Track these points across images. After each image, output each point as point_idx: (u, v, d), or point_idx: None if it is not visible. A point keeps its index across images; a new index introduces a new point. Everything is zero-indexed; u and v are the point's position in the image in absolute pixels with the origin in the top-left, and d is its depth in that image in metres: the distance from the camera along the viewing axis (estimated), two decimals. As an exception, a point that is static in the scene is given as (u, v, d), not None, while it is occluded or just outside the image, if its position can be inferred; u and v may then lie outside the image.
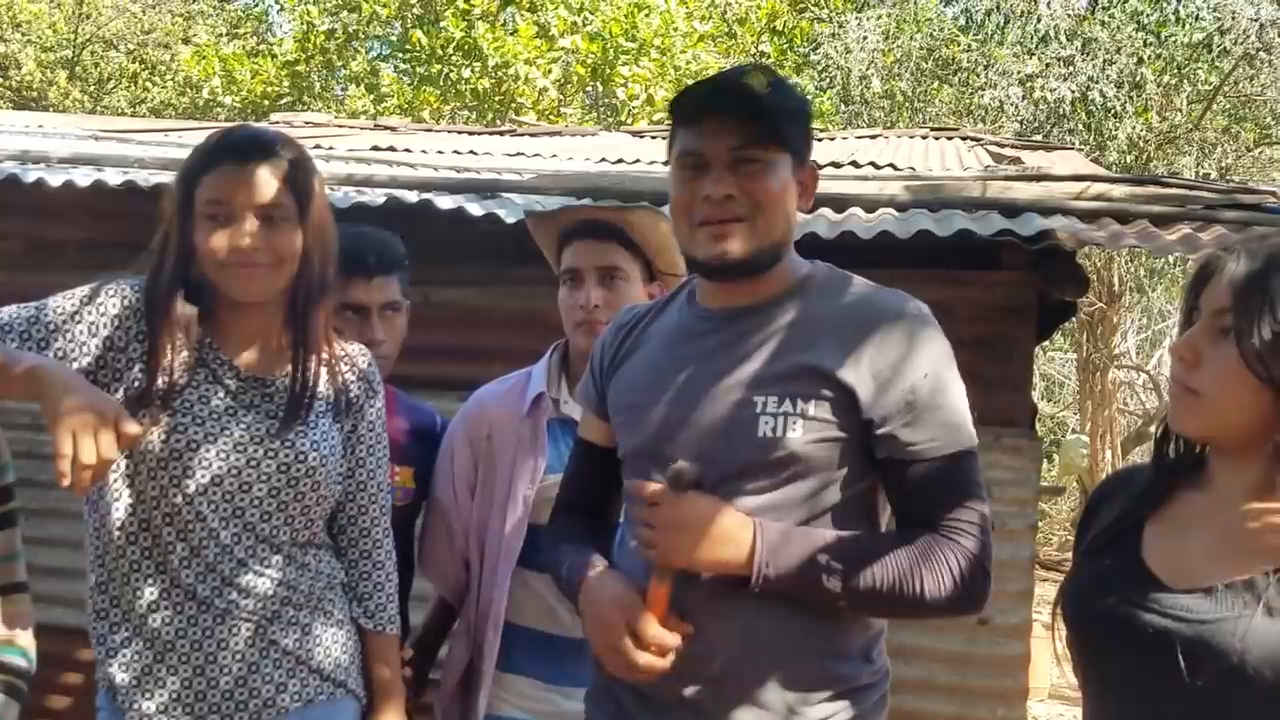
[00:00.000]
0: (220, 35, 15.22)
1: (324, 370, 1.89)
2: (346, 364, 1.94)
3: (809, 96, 1.92)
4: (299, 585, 1.84)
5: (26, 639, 1.71)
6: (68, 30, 15.53)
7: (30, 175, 3.47)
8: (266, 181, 1.76)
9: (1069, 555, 2.19)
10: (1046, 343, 19.29)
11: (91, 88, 16.00)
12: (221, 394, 1.79)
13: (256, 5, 16.28)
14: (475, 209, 3.42)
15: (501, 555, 2.22)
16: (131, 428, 1.48)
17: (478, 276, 3.92)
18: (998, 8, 11.44)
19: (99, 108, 15.67)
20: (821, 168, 4.68)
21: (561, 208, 2.39)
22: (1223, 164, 12.40)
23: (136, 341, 1.77)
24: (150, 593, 1.77)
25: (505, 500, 2.22)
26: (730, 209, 1.54)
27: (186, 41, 15.27)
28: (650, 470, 1.60)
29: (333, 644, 1.89)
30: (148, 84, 15.90)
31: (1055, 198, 3.30)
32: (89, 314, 1.76)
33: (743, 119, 1.54)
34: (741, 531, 1.49)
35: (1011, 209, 3.21)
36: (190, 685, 1.78)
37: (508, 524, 2.21)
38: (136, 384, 1.75)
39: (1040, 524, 12.37)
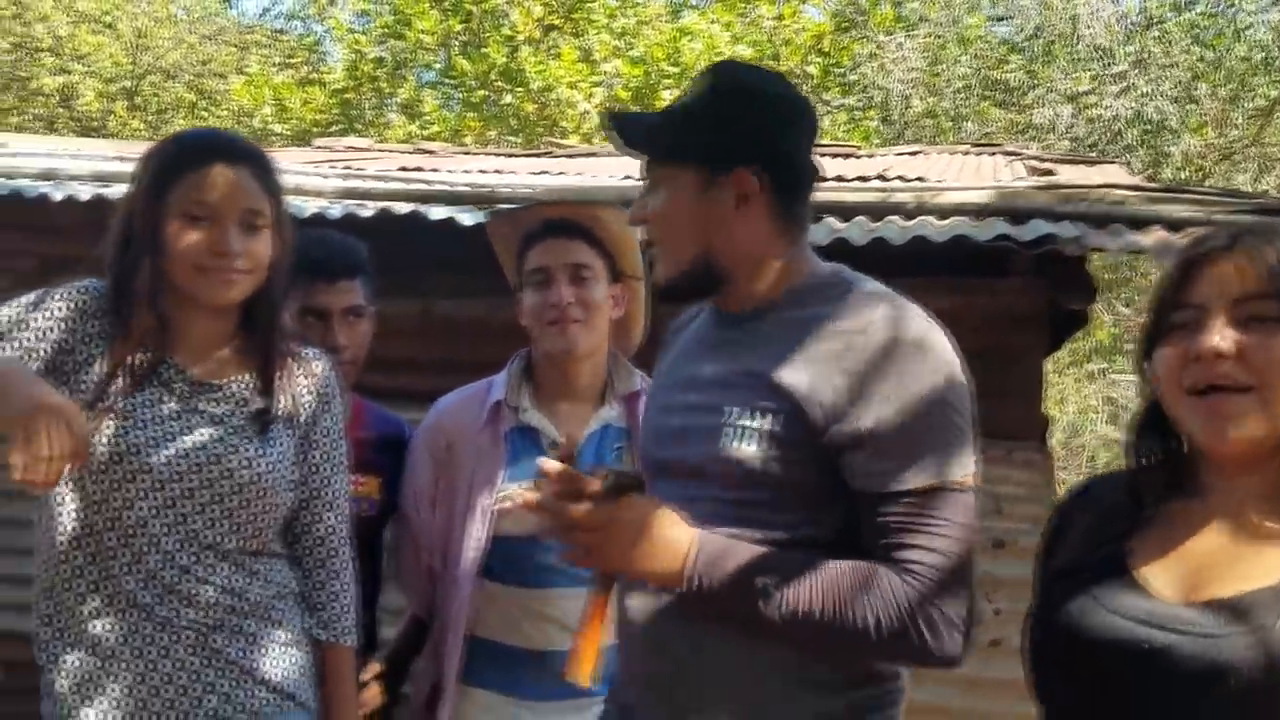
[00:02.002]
0: (274, 65, 15.53)
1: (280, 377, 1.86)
2: (302, 369, 1.90)
3: (768, 93, 1.71)
4: (246, 594, 1.79)
5: None
6: (127, 61, 15.95)
7: (33, 191, 3.51)
8: (252, 186, 1.75)
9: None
10: (1106, 364, 18.86)
11: (150, 117, 16.37)
12: (169, 398, 1.76)
13: (309, 35, 16.59)
14: (466, 219, 3.39)
15: (463, 568, 2.17)
16: (86, 423, 1.50)
17: (479, 288, 3.87)
18: (1038, 31, 11.25)
19: (157, 137, 15.96)
20: (848, 181, 4.63)
21: (527, 205, 2.35)
22: (1283, 179, 12.05)
23: (83, 344, 1.75)
24: (93, 600, 1.74)
25: (465, 512, 2.17)
26: (644, 235, 1.58)
27: (241, 72, 15.61)
28: (650, 478, 1.54)
29: (282, 655, 1.84)
30: (204, 113, 16.25)
31: (1062, 202, 3.18)
32: (36, 319, 1.74)
33: (636, 141, 1.55)
34: (677, 540, 1.40)
35: (1018, 215, 3.09)
36: (132, 694, 1.74)
37: (468, 536, 2.17)
38: (85, 386, 1.72)
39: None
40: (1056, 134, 11.19)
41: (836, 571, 1.38)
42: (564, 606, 2.08)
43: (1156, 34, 10.84)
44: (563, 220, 2.21)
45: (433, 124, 12.23)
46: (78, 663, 1.75)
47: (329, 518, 1.91)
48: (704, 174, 1.48)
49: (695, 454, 1.47)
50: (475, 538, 2.16)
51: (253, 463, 1.77)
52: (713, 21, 12.57)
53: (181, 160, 1.75)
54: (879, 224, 3.26)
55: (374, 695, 2.28)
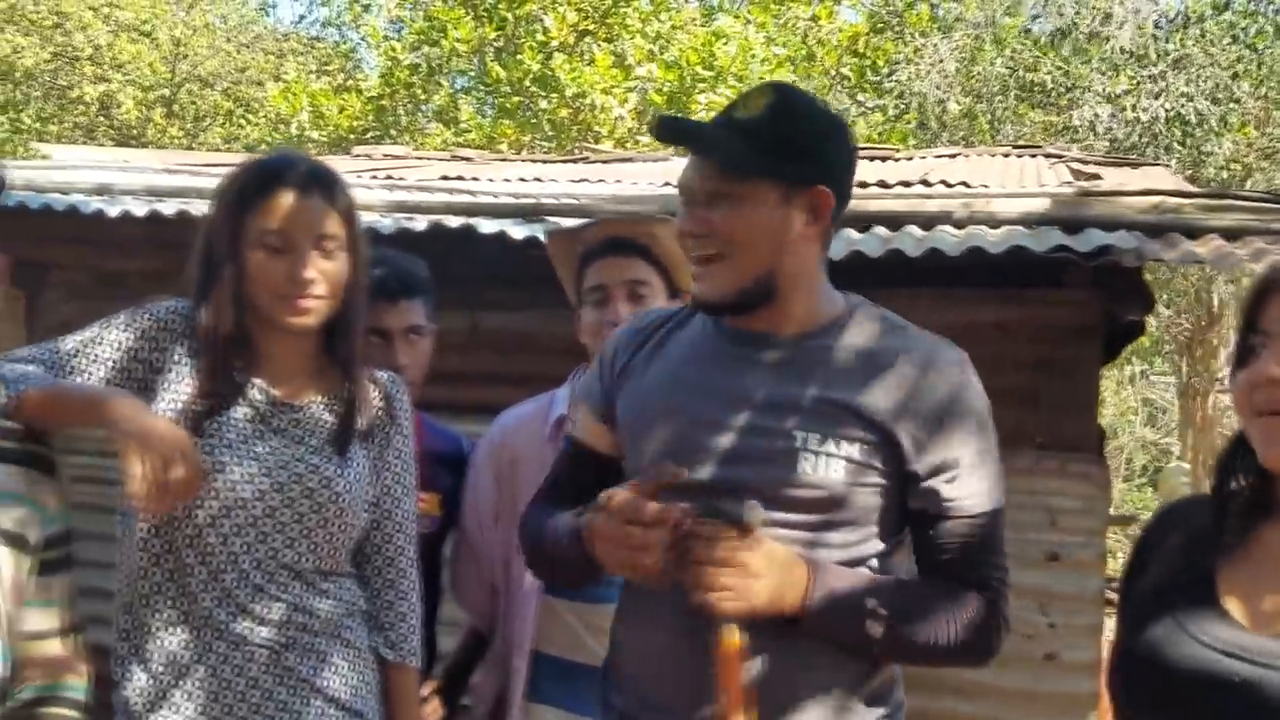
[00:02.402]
0: (310, 72, 15.65)
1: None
2: (375, 389, 1.92)
3: (829, 115, 1.48)
4: (317, 612, 1.80)
5: (85, 674, 1.72)
6: (165, 70, 16.13)
7: (88, 207, 3.56)
8: (324, 211, 1.77)
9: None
10: (1146, 366, 18.64)
11: (188, 125, 16.56)
12: (253, 418, 1.79)
13: (344, 42, 16.72)
14: (518, 233, 3.40)
15: (527, 583, 2.17)
16: (198, 457, 1.56)
17: (527, 300, 3.89)
18: (1067, 30, 11.13)
19: (195, 144, 16.20)
20: (889, 187, 4.60)
21: (583, 224, 2.35)
22: (1328, 179, 11.85)
23: (173, 363, 1.78)
24: (169, 616, 1.75)
25: None
26: (703, 247, 1.51)
27: (278, 79, 15.73)
28: (666, 498, 1.51)
29: (351, 673, 1.85)
30: (241, 121, 16.41)
31: (1119, 212, 3.15)
32: (126, 338, 1.77)
33: (717, 151, 1.51)
34: (798, 570, 1.43)
35: (1072, 224, 3.06)
36: (205, 712, 1.75)
37: (531, 551, 2.17)
38: (173, 404, 1.75)
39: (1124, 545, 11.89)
40: (1096, 134, 11.08)
41: (931, 592, 1.49)
42: None
43: (1197, 33, 10.70)
44: (620, 237, 2.21)
45: (469, 131, 12.27)
46: (151, 680, 1.76)
47: (399, 539, 1.93)
48: (783, 190, 1.49)
49: (758, 477, 1.47)
50: (537, 554, 2.16)
51: (332, 483, 1.79)
52: (747, 22, 12.54)
53: (254, 188, 1.77)
54: (928, 234, 3.24)
55: (434, 709, 2.29)
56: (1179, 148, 10.90)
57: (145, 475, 1.51)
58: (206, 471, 1.66)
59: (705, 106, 11.44)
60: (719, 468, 1.49)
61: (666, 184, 5.76)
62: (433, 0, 12.98)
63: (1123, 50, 10.41)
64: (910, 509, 1.51)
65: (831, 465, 1.44)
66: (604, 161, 8.25)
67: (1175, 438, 17.71)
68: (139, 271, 3.87)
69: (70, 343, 1.77)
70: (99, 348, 1.76)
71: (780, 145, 1.48)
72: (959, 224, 3.18)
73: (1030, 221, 3.12)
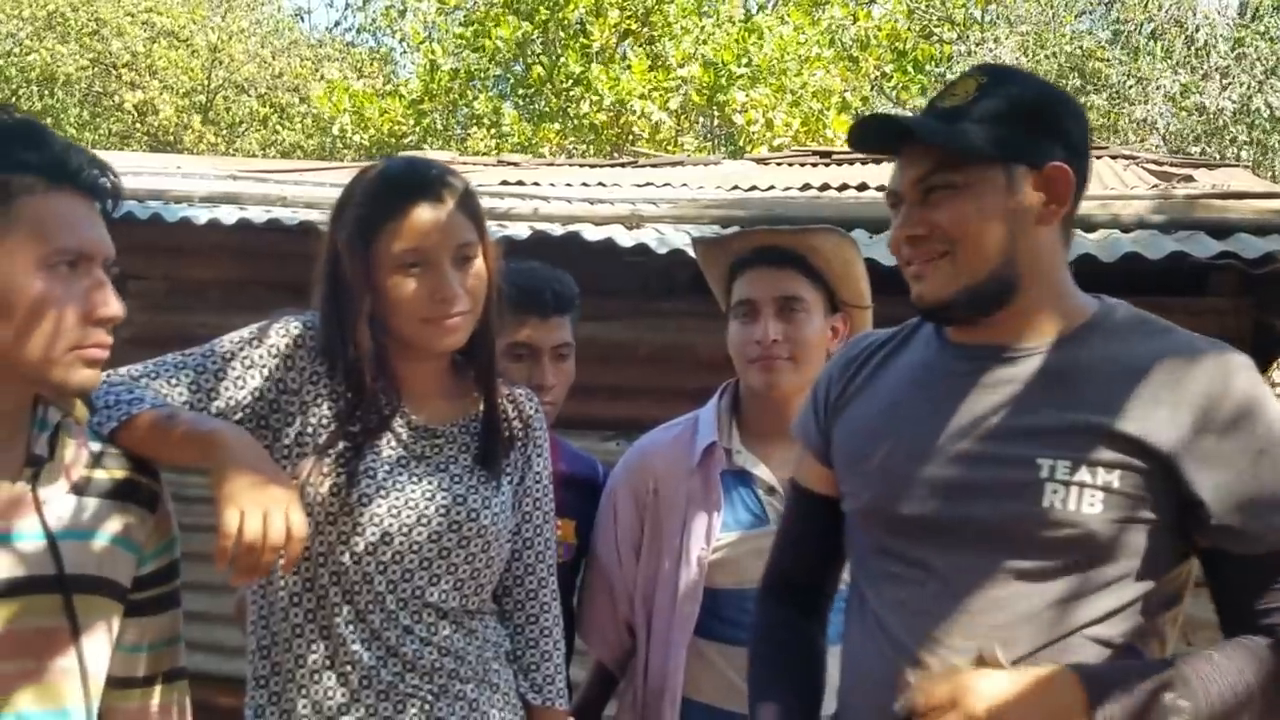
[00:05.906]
0: (346, 78, 15.60)
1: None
2: (514, 409, 1.76)
3: (1052, 87, 1.32)
4: (466, 656, 1.65)
5: None
6: (202, 76, 16.11)
7: (174, 214, 3.42)
8: (458, 221, 1.61)
9: None
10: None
11: (224, 131, 16.55)
12: (394, 445, 1.64)
13: (381, 47, 16.64)
14: (625, 240, 3.24)
15: (675, 624, 2.00)
16: (303, 522, 1.36)
17: (622, 310, 3.74)
18: (1142, 26, 10.92)
19: (231, 150, 16.19)
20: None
21: (736, 232, 2.18)
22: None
23: (310, 384, 1.62)
24: (314, 660, 1.60)
25: (676, 563, 2.01)
26: (925, 248, 1.34)
27: (321, 77, 15.68)
28: (883, 536, 1.37)
29: None
30: (278, 127, 16.37)
31: (1269, 216, 2.94)
32: (259, 355, 1.62)
33: (934, 138, 1.33)
34: (1070, 693, 1.21)
35: (1220, 229, 2.86)
36: None
37: (680, 589, 1.99)
38: (312, 432, 1.60)
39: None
40: (1156, 131, 10.88)
41: (1241, 668, 1.24)
42: None
43: (1261, 28, 10.47)
44: (775, 248, 2.03)
45: (511, 135, 12.15)
46: None
47: (540, 570, 1.78)
48: (1011, 171, 1.31)
49: (997, 514, 1.28)
50: (686, 590, 1.99)
51: (479, 515, 1.64)
52: (783, 22, 12.38)
53: (386, 205, 1.60)
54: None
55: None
56: (1244, 145, 10.67)
57: (239, 536, 1.31)
58: (307, 538, 1.46)
59: (743, 106, 11.26)
60: (941, 504, 1.32)
61: (735, 188, 5.62)
62: (475, 5, 12.87)
63: (1213, 41, 10.16)
64: (1200, 548, 1.30)
65: (1086, 498, 1.24)
66: (654, 165, 8.10)
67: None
68: (216, 280, 3.74)
69: (193, 355, 1.60)
70: (228, 363, 1.60)
71: (1001, 122, 1.31)
72: (1089, 227, 2.98)
73: (1169, 226, 2.92)
